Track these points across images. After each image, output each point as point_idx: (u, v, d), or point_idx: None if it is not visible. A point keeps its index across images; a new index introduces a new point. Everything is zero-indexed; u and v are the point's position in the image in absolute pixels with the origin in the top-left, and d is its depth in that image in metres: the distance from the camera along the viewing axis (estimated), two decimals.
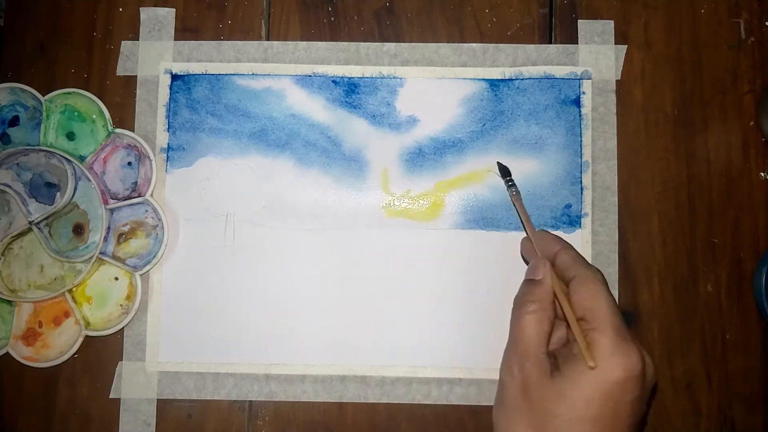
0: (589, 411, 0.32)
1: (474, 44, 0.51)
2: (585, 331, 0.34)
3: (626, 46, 0.51)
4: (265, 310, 0.49)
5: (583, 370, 0.33)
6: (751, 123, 0.51)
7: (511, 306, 0.49)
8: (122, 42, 0.51)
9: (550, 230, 0.49)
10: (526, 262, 0.43)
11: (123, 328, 0.48)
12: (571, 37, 0.51)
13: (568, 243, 0.40)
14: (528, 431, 0.34)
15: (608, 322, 0.34)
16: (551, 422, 0.33)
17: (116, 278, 0.49)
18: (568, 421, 0.33)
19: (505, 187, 0.47)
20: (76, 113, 0.49)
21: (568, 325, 0.37)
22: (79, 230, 0.50)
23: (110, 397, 0.49)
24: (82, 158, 0.48)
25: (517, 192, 0.46)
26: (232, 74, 0.51)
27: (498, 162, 0.49)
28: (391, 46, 0.51)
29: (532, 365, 0.34)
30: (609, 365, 0.33)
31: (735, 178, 0.50)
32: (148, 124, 0.50)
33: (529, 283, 0.38)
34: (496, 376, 0.48)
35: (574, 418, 0.32)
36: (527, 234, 0.43)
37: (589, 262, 0.49)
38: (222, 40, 0.51)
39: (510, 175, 0.48)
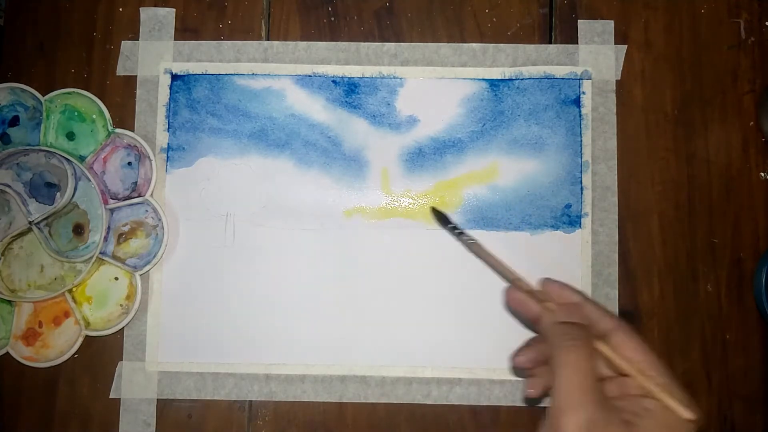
0: None
1: (474, 44, 0.51)
2: (658, 386, 0.32)
3: (626, 46, 0.51)
4: (265, 310, 0.49)
5: (667, 424, 0.31)
6: (751, 123, 0.51)
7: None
8: (122, 42, 0.51)
9: (549, 231, 0.50)
10: (512, 314, 0.41)
11: (123, 328, 0.48)
12: (571, 37, 0.51)
13: (584, 291, 0.37)
14: None
15: (667, 373, 0.32)
16: None
17: (116, 278, 0.49)
18: None
19: (458, 237, 0.42)
20: (76, 113, 0.49)
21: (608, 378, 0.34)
22: (79, 230, 0.50)
23: (110, 397, 0.49)
24: (82, 158, 0.48)
25: (472, 240, 0.40)
26: (232, 74, 0.51)
27: (432, 209, 0.46)
28: (391, 46, 0.51)
29: (598, 412, 0.30)
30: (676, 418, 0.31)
31: (735, 178, 0.50)
32: (148, 124, 0.50)
33: (572, 326, 0.33)
34: (496, 377, 0.48)
35: None
36: (511, 282, 0.37)
37: (590, 262, 0.49)
38: (222, 40, 0.51)
39: (450, 221, 0.42)
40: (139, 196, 0.49)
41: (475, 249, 0.40)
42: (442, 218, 0.45)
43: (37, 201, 0.49)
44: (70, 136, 0.49)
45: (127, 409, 0.48)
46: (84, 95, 0.48)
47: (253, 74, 0.51)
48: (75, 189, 0.49)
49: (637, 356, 0.33)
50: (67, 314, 0.48)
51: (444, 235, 0.49)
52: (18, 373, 0.49)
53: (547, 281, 0.37)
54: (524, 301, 0.36)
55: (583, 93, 0.51)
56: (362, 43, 0.51)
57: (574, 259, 0.49)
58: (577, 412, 0.30)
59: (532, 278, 0.49)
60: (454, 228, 0.42)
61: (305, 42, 0.51)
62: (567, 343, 0.32)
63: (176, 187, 0.50)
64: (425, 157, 0.50)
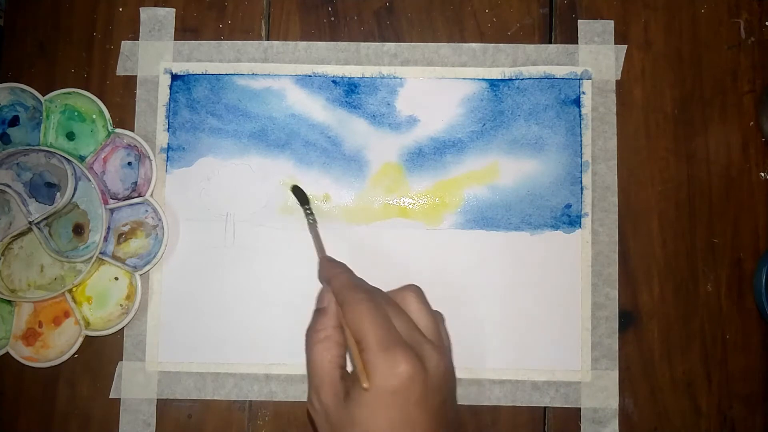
0: (378, 427, 0.34)
1: (474, 44, 0.51)
2: (360, 353, 0.35)
3: (626, 46, 0.51)
4: (265, 310, 0.49)
5: (363, 390, 0.34)
6: (751, 123, 0.51)
7: (509, 307, 0.49)
8: (122, 42, 0.51)
9: (549, 231, 0.50)
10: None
11: (123, 328, 0.48)
12: (571, 37, 0.51)
13: (345, 267, 0.40)
14: None
15: (370, 338, 0.35)
16: None
17: (116, 278, 0.49)
18: None
19: (304, 214, 0.48)
20: (76, 113, 0.49)
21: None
22: (79, 230, 0.50)
23: (110, 397, 0.49)
24: (82, 158, 0.48)
25: (314, 221, 0.47)
26: (232, 74, 0.51)
27: (295, 187, 0.49)
28: (391, 46, 0.51)
29: (327, 394, 0.35)
30: (381, 380, 0.34)
31: (735, 178, 0.50)
32: (148, 124, 0.50)
33: (317, 312, 0.38)
34: (497, 376, 0.49)
35: None
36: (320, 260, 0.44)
37: (589, 262, 0.49)
38: (222, 40, 0.51)
39: (308, 203, 0.48)
40: (139, 196, 0.49)
41: (310, 228, 0.47)
42: (301, 196, 0.49)
43: (37, 201, 0.49)
44: (70, 136, 0.49)
45: (127, 409, 0.48)
46: (84, 95, 0.48)
47: (253, 74, 0.51)
48: (75, 189, 0.49)
49: (354, 327, 0.36)
50: (67, 314, 0.48)
51: (444, 234, 0.50)
52: (18, 373, 0.49)
53: (322, 260, 0.42)
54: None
55: (583, 93, 0.51)
56: (362, 43, 0.51)
57: (574, 259, 0.49)
58: (317, 395, 0.36)
59: (533, 279, 0.49)
60: (308, 209, 0.48)
61: (305, 42, 0.51)
62: (311, 338, 0.37)
63: (176, 187, 0.50)
64: (425, 157, 0.50)
